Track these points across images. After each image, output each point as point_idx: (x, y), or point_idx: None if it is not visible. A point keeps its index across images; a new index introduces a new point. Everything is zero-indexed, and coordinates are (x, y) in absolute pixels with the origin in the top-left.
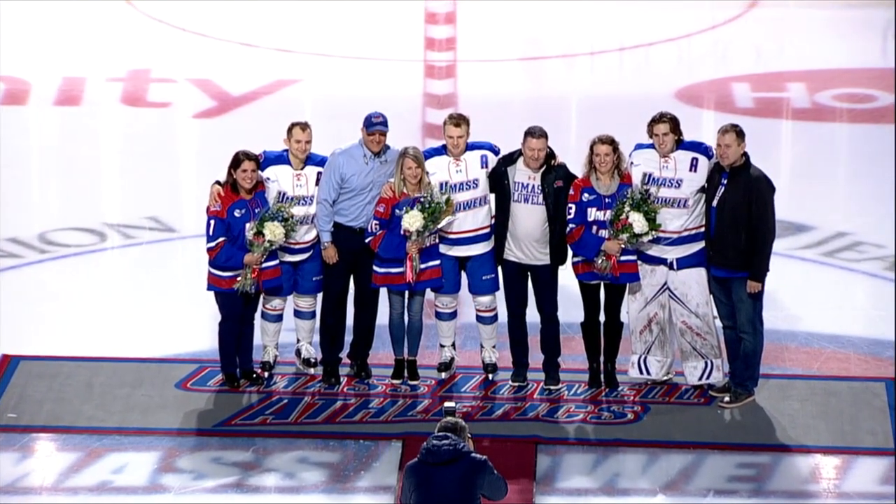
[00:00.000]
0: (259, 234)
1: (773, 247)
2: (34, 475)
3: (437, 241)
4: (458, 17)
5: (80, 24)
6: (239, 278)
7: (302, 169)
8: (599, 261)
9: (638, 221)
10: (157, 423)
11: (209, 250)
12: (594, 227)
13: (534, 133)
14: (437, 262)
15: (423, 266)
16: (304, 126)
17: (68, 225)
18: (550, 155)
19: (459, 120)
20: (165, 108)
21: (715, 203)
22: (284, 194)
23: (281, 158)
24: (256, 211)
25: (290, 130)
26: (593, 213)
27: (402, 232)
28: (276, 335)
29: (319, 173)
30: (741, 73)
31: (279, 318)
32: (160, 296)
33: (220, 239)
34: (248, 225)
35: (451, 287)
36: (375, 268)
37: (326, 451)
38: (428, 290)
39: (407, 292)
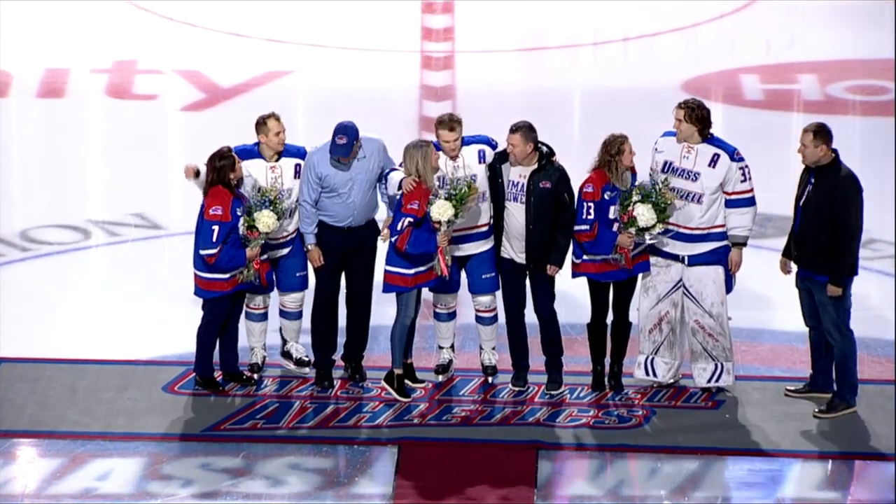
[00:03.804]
0: (251, 227)
1: (857, 249)
2: (15, 482)
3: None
4: (455, 5)
5: (64, 12)
6: (239, 274)
7: (277, 161)
8: (613, 255)
9: (643, 215)
10: (144, 428)
11: (209, 256)
12: (615, 224)
13: (510, 129)
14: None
15: (423, 268)
16: (278, 117)
17: (51, 222)
18: (549, 153)
19: (453, 124)
20: (152, 100)
21: (802, 202)
22: (260, 188)
23: (252, 153)
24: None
25: (263, 124)
26: (616, 210)
27: (433, 225)
28: (263, 335)
29: (297, 165)
30: (750, 64)
31: (264, 317)
32: (147, 295)
33: (220, 244)
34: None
35: (451, 286)
36: (401, 269)
37: (319, 457)
38: (426, 290)
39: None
